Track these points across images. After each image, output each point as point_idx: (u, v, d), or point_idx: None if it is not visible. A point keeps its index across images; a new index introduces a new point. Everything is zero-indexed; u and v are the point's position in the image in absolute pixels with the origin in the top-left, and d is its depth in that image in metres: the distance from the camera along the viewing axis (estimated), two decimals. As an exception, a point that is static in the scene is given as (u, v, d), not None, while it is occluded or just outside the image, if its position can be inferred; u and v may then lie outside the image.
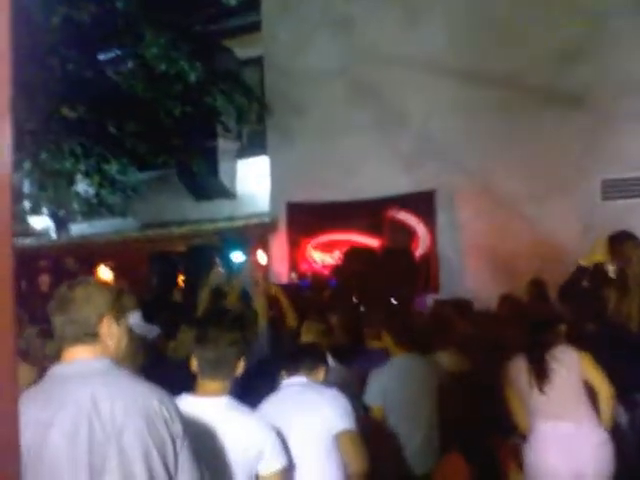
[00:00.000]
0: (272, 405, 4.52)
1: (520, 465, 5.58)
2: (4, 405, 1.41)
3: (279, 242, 14.45)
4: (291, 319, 7.13)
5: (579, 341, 5.67)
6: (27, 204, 15.46)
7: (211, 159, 14.98)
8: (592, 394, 5.42)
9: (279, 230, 14.53)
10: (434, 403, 5.93)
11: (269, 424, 3.94)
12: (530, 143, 12.18)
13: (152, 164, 14.12)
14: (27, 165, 12.97)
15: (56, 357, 3.05)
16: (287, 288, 8.19)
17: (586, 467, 5.28)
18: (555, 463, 5.31)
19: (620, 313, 6.22)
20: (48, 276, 12.30)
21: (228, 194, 15.66)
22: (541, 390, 5.41)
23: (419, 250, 13.13)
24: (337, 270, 11.99)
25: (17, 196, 14.64)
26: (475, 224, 12.67)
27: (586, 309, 6.53)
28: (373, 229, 13.45)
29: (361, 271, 10.69)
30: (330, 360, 5.43)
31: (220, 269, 7.94)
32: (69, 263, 14.63)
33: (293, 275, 13.66)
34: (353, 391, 5.43)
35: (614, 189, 11.88)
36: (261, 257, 14.19)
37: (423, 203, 13.15)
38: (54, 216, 17.04)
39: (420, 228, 13.23)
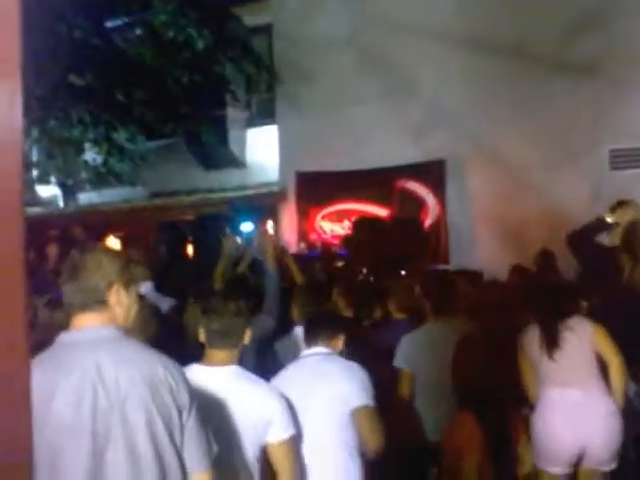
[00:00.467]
0: (290, 376, 4.49)
1: (529, 437, 5.58)
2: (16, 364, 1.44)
3: (289, 212, 14.44)
4: (299, 278, 7.16)
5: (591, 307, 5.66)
6: (35, 173, 15.44)
7: (220, 128, 14.91)
8: (604, 368, 5.40)
9: (288, 200, 14.51)
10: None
11: (278, 393, 3.94)
12: (540, 112, 12.13)
13: (160, 132, 14.06)
14: (35, 133, 12.93)
15: (65, 325, 3.04)
16: (296, 258, 8.16)
17: (593, 437, 5.27)
18: (562, 431, 5.30)
19: (633, 281, 6.15)
20: (56, 245, 12.29)
21: (237, 163, 15.63)
22: (551, 357, 5.40)
23: (428, 220, 13.11)
24: (346, 240, 11.96)
25: (25, 164, 14.62)
26: (484, 193, 12.64)
27: (599, 263, 6.44)
28: (382, 199, 13.41)
29: (371, 241, 10.66)
30: None
31: (233, 237, 7.93)
32: (77, 232, 14.63)
33: (302, 245, 13.66)
34: None
35: (622, 159, 11.85)
36: (270, 227, 14.20)
37: (433, 173, 13.11)
38: (62, 185, 17.03)
39: (429, 198, 13.20)
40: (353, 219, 12.93)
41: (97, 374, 2.82)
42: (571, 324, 5.42)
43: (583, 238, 6.66)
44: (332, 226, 13.95)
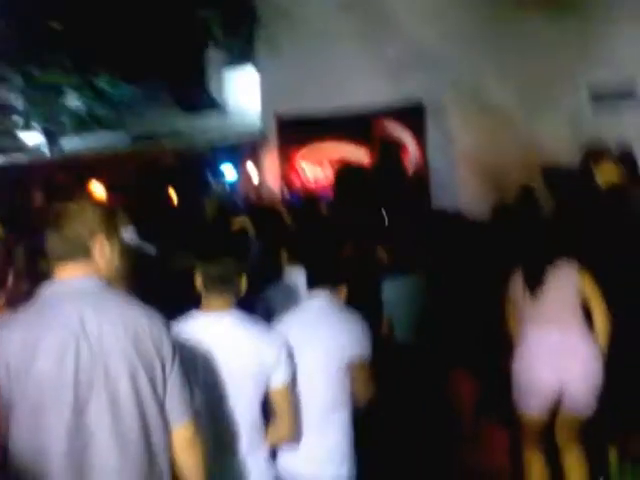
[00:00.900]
0: (291, 321, 4.51)
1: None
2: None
3: (271, 156, 14.39)
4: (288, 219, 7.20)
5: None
6: (18, 119, 15.34)
7: (199, 70, 14.82)
8: (589, 314, 5.45)
9: (270, 143, 14.45)
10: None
11: (278, 337, 4.01)
12: (521, 52, 12.00)
13: (142, 77, 13.98)
14: (17, 80, 12.84)
15: (48, 275, 3.09)
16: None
17: (572, 379, 5.33)
18: (541, 371, 5.36)
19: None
20: (40, 192, 12.27)
21: (217, 106, 15.52)
22: (534, 298, 5.45)
23: (410, 164, 13.12)
24: (331, 189, 11.92)
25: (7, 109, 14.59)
26: (465, 136, 12.63)
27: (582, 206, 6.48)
28: (363, 141, 13.40)
29: (354, 191, 10.62)
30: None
31: (219, 183, 7.92)
32: (61, 178, 14.60)
33: (285, 190, 13.65)
34: None
35: (603, 97, 11.84)
36: (252, 171, 14.17)
37: (413, 116, 13.07)
38: (46, 131, 16.90)
39: (410, 141, 13.19)
40: (335, 163, 12.91)
41: (80, 328, 2.86)
42: (556, 266, 5.46)
43: (565, 184, 6.73)
44: (313, 169, 13.91)
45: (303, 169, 13.96)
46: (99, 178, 14.50)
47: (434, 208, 11.63)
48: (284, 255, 5.93)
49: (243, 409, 3.84)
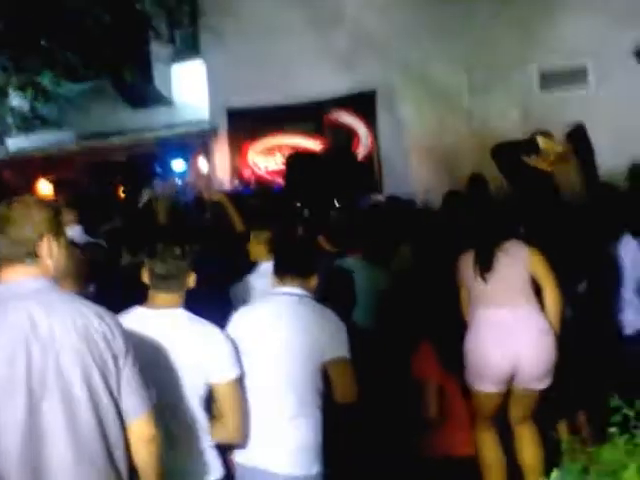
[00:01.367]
0: (256, 311, 4.42)
1: None
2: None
3: (221, 149, 14.31)
4: (239, 224, 7.07)
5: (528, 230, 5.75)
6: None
7: (145, 65, 14.69)
8: (540, 292, 5.48)
9: (220, 136, 14.38)
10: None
11: (223, 333, 3.93)
12: (466, 34, 12.06)
13: (85, 75, 13.85)
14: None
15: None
16: (230, 196, 8.10)
17: (523, 354, 5.32)
18: (492, 350, 5.36)
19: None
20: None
21: (165, 100, 15.39)
22: (484, 279, 5.48)
23: (361, 150, 13.14)
24: (282, 176, 11.92)
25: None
26: (416, 122, 12.68)
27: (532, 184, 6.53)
28: (314, 131, 13.40)
29: (304, 176, 10.62)
30: None
31: (169, 179, 7.87)
32: (8, 178, 14.45)
33: (236, 182, 13.60)
34: None
35: (551, 79, 11.94)
36: (203, 165, 14.10)
37: (363, 103, 13.11)
38: (-8, 132, 16.70)
39: (361, 128, 13.22)
40: (286, 154, 12.88)
41: (30, 328, 2.81)
42: (506, 247, 5.48)
43: (512, 156, 6.75)
44: (265, 161, 13.90)
45: (254, 160, 13.93)
46: (47, 177, 14.38)
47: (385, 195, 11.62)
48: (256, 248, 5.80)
49: (185, 406, 3.76)
